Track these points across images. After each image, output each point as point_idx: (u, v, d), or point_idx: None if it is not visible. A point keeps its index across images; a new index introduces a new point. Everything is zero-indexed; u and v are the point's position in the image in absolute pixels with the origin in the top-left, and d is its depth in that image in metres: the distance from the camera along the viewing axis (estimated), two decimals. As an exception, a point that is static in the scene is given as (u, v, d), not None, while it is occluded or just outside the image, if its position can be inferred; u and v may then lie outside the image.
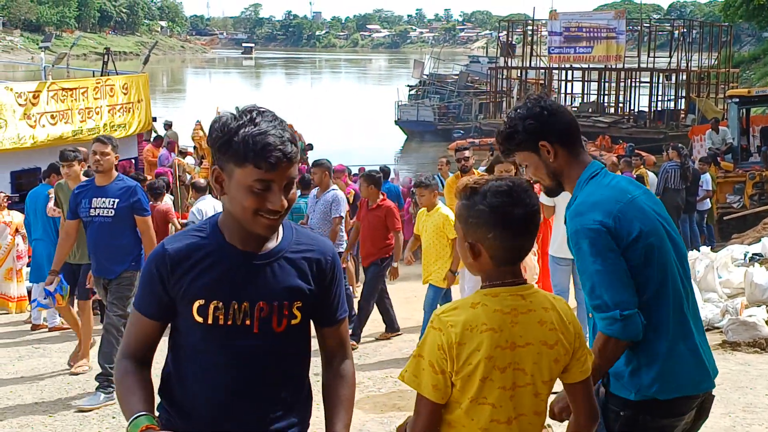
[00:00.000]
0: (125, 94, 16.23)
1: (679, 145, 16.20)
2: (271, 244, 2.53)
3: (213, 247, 2.49)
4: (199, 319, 2.46)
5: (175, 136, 20.66)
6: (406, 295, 11.16)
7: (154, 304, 2.51)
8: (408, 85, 45.66)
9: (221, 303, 2.46)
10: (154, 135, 19.30)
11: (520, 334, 2.53)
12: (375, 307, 9.25)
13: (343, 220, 9.78)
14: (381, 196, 9.28)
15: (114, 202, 6.83)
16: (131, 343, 2.57)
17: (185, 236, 2.54)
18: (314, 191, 10.00)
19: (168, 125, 21.75)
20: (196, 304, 2.46)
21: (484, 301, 2.54)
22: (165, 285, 2.48)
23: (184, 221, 10.74)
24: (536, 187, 3.00)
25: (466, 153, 9.23)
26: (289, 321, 2.53)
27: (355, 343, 8.62)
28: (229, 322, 2.46)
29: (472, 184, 2.58)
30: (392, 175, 15.70)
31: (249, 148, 2.32)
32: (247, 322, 2.48)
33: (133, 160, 16.88)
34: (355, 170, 16.64)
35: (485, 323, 2.50)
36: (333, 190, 9.67)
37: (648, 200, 3.13)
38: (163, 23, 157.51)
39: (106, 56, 19.11)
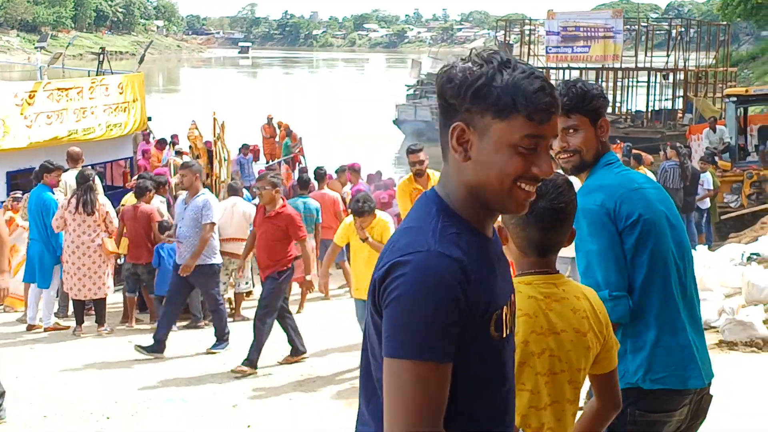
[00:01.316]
0: (121, 93, 16.16)
1: (678, 144, 16.18)
2: None
3: (474, 238, 1.90)
4: (496, 335, 1.91)
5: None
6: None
7: (453, 341, 1.80)
8: (406, 85, 45.63)
9: (504, 307, 1.96)
10: (157, 138, 19.26)
11: (555, 321, 2.56)
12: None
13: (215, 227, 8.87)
14: (282, 202, 8.19)
15: None
16: (436, 410, 1.78)
17: (434, 233, 1.85)
18: (182, 196, 9.22)
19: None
20: (495, 316, 1.91)
21: (519, 288, 2.53)
22: (463, 306, 1.80)
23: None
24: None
25: (420, 156, 8.40)
26: None
27: (246, 369, 7.77)
28: (508, 332, 1.98)
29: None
30: (382, 176, 15.72)
31: (519, 93, 1.82)
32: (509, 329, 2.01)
33: (129, 160, 16.82)
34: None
35: (520, 309, 2.50)
36: (202, 194, 8.79)
37: (657, 194, 3.20)
38: (159, 23, 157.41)
39: (101, 56, 19.09)
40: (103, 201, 9.78)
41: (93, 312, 10.05)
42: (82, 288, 9.66)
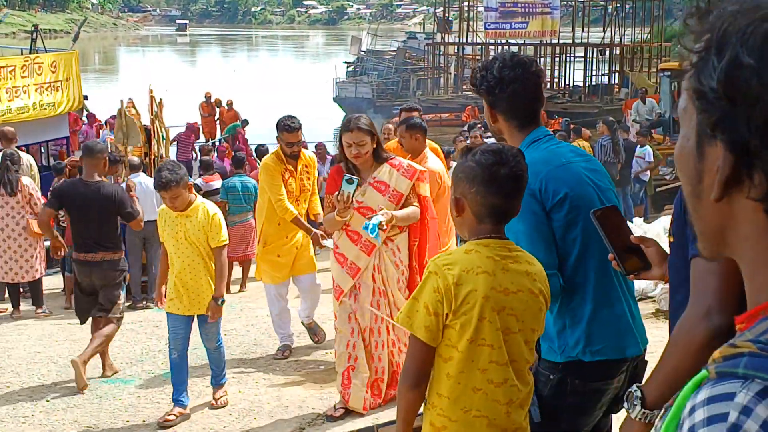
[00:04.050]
0: (53, 72, 15.80)
1: (609, 118, 16.39)
2: None
3: None
4: None
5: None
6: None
7: None
8: (346, 62, 45.45)
9: None
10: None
11: (511, 281, 2.67)
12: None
13: None
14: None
15: None
16: None
17: None
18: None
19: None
20: None
21: (477, 248, 2.69)
22: None
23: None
24: None
25: (299, 136, 7.24)
26: None
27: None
28: None
29: (470, 145, 2.69)
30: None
31: None
32: None
33: (65, 140, 16.51)
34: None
35: (480, 266, 2.64)
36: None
37: (586, 167, 3.19)
38: (94, 0, 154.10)
39: (34, 34, 18.64)
40: (27, 182, 9.44)
41: (30, 295, 9.87)
42: (9, 271, 9.45)
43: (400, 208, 5.63)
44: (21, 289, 9.82)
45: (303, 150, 7.50)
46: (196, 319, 6.16)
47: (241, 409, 6.19)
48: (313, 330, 7.68)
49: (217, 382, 6.41)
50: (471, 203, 2.68)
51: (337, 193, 5.36)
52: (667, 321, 2.59)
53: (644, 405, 2.32)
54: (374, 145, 5.64)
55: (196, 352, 7.29)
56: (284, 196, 7.10)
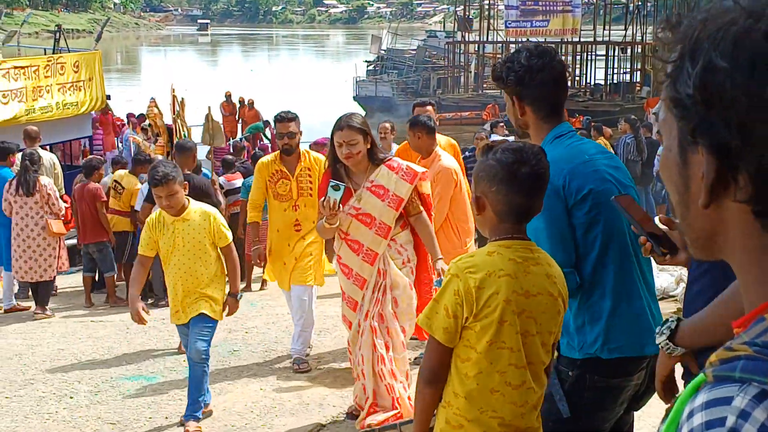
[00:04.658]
0: (76, 72, 15.94)
1: (632, 116, 16.31)
2: None
3: None
4: None
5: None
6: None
7: None
8: (366, 61, 45.47)
9: None
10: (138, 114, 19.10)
11: (533, 283, 2.67)
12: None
13: None
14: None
15: None
16: None
17: None
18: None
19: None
20: None
21: (499, 250, 2.69)
22: None
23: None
24: None
25: (291, 127, 6.76)
26: None
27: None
28: None
29: (492, 143, 2.69)
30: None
31: None
32: None
33: (87, 140, 16.64)
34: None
35: (502, 269, 2.64)
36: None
37: (608, 165, 3.18)
38: (117, 0, 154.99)
39: (57, 34, 18.80)
40: (45, 182, 9.47)
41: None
42: (28, 270, 9.49)
43: (400, 213, 5.35)
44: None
45: (309, 151, 7.04)
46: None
47: (263, 406, 6.22)
48: (298, 361, 6.97)
49: (192, 413, 5.72)
50: (492, 202, 2.67)
51: (322, 198, 5.05)
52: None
53: (671, 338, 2.35)
54: (368, 146, 5.26)
55: (217, 350, 7.35)
56: (257, 198, 6.90)
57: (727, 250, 1.01)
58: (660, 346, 2.40)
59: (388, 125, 9.32)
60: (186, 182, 5.75)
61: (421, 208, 5.44)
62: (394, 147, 9.59)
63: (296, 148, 6.83)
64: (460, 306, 2.62)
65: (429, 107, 7.92)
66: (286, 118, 6.77)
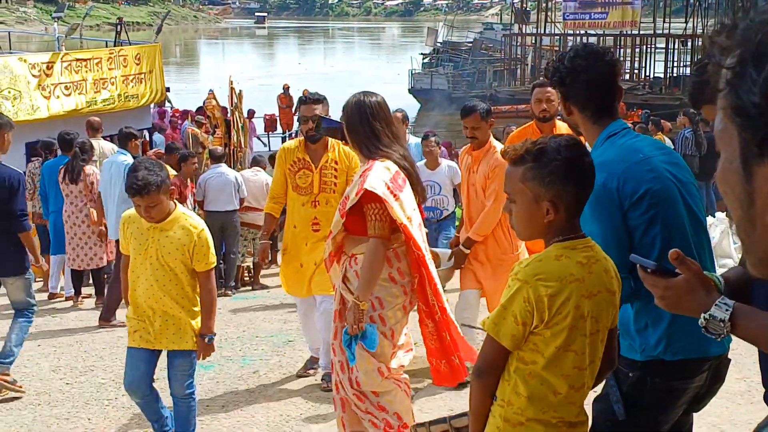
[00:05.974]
0: (138, 64, 16.20)
1: (691, 110, 16.03)
2: None
3: None
4: None
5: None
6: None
7: None
8: (422, 54, 45.39)
9: None
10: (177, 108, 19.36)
11: (594, 283, 2.63)
12: None
13: None
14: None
15: None
16: None
17: None
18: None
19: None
20: None
21: (566, 253, 2.63)
22: None
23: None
24: None
25: (317, 110, 6.05)
26: None
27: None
28: None
29: (534, 146, 2.60)
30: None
31: None
32: None
33: (147, 131, 16.89)
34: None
35: (572, 274, 2.59)
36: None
37: (666, 161, 3.11)
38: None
39: (118, 26, 19.09)
40: (90, 171, 9.46)
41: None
42: (75, 258, 9.56)
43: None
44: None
45: (338, 142, 5.95)
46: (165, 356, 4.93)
47: (317, 396, 6.25)
48: (327, 378, 6.08)
49: None
50: (567, 202, 2.62)
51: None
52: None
53: (731, 319, 2.09)
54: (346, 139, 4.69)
55: (273, 340, 7.36)
56: (275, 189, 6.21)
57: None
58: (712, 316, 2.13)
59: (399, 115, 8.58)
60: (172, 189, 4.74)
61: (376, 232, 4.29)
62: (411, 138, 9.20)
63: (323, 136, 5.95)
64: (530, 314, 2.57)
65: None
66: (311, 100, 6.06)
